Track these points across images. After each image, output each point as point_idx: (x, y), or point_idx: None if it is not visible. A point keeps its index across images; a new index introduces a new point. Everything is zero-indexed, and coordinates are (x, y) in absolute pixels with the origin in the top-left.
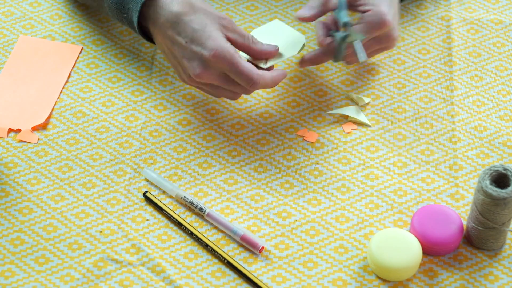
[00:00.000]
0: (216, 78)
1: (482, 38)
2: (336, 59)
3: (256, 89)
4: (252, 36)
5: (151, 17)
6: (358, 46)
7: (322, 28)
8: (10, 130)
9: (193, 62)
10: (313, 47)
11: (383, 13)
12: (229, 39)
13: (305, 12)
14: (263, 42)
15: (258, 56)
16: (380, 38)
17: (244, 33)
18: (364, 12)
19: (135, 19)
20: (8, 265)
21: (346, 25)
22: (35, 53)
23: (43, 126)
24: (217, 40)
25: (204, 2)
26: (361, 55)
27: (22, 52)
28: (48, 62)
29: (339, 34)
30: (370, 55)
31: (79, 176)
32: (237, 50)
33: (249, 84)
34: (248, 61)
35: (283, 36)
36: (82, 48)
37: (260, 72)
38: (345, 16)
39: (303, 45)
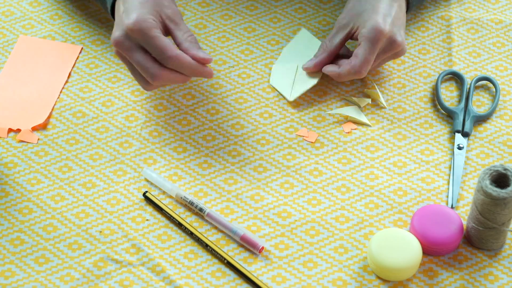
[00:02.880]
0: (131, 51)
1: (482, 38)
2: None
3: (164, 74)
4: (192, 39)
5: None
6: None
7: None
8: (10, 130)
9: (116, 28)
10: None
11: (377, 24)
12: (166, 29)
13: (309, 64)
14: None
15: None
16: (384, 48)
17: (183, 32)
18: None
19: None
20: (8, 265)
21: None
22: (35, 53)
23: (43, 126)
24: (142, 15)
25: None
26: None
27: (22, 52)
28: (48, 62)
29: None
30: (379, 65)
31: (79, 176)
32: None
33: (161, 58)
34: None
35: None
36: (82, 48)
37: (179, 52)
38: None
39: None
